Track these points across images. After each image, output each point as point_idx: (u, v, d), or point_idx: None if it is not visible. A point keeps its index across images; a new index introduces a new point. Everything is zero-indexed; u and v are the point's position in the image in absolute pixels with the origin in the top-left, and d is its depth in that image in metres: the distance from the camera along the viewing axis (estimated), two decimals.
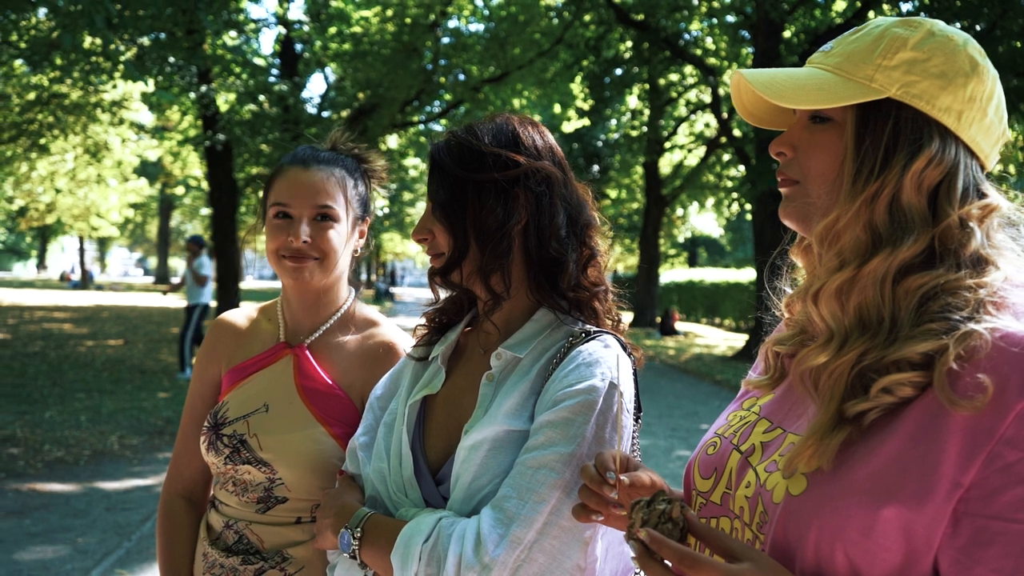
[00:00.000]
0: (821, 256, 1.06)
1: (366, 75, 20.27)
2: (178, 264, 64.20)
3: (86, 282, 40.42)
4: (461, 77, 21.46)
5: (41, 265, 61.02)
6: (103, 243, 55.63)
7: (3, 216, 39.27)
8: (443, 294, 1.53)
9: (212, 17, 11.79)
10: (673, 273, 37.45)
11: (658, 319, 24.41)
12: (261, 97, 18.28)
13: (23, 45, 14.01)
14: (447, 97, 22.28)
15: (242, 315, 1.93)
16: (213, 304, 14.78)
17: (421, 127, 23.64)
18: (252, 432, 1.72)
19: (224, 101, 18.08)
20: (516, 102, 23.75)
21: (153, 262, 61.15)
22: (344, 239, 1.78)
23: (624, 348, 1.41)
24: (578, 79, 22.61)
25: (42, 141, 24.05)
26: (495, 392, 1.39)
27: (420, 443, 1.44)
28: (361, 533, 1.35)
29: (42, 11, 11.45)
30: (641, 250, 26.86)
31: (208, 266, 12.22)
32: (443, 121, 23.85)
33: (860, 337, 0.99)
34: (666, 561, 0.91)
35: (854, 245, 1.02)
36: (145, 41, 11.20)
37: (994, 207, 1.02)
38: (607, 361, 1.33)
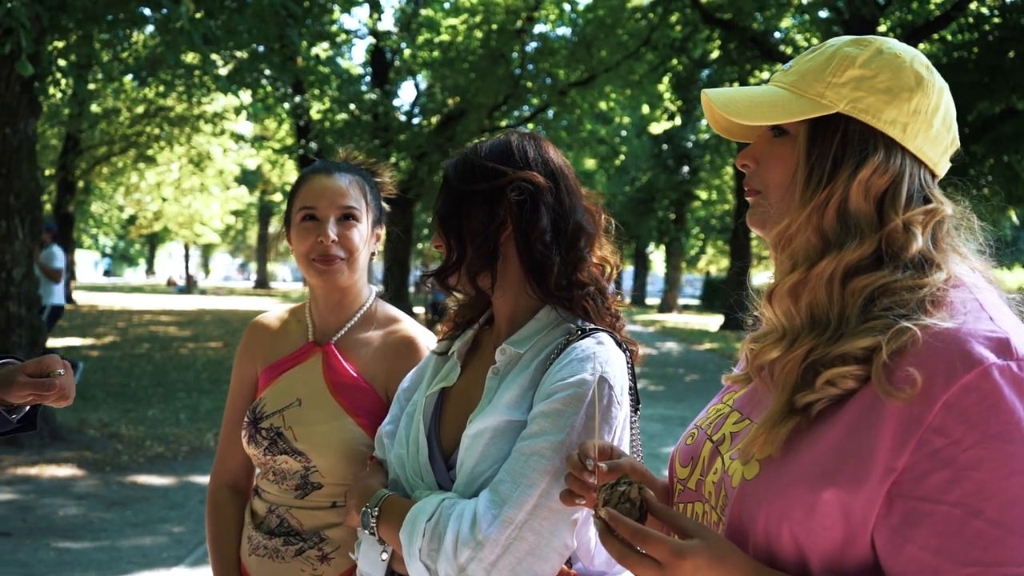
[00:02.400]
0: (776, 259, 1.15)
1: (455, 81, 20.61)
2: (277, 269, 66.36)
3: (191, 287, 42.25)
4: (548, 81, 21.59)
5: (150, 271, 64.06)
6: (207, 249, 57.99)
7: (115, 224, 41.42)
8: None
9: (304, 30, 12.24)
10: (766, 275, 36.71)
11: (750, 321, 23.98)
12: (352, 106, 18.82)
13: (131, 62, 14.82)
14: (534, 101, 22.45)
15: (274, 317, 2.10)
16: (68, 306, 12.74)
17: None
18: (287, 425, 1.88)
19: (317, 111, 18.65)
20: (603, 104, 23.77)
21: (254, 267, 63.36)
22: (365, 239, 1.94)
23: (620, 344, 1.51)
24: (666, 80, 22.44)
25: (149, 152, 25.33)
26: (499, 385, 1.51)
27: (436, 432, 1.57)
28: (379, 512, 1.49)
29: (148, 28, 12.10)
30: (732, 252, 26.48)
31: (60, 258, 11.10)
32: (531, 125, 24.06)
33: (810, 334, 1.06)
34: (623, 537, 0.99)
35: (805, 248, 1.10)
36: (241, 55, 11.70)
37: (938, 212, 1.08)
38: (599, 356, 1.43)
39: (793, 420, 1.03)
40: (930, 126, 1.10)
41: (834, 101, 1.10)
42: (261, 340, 2.05)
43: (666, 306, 37.61)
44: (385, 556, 1.49)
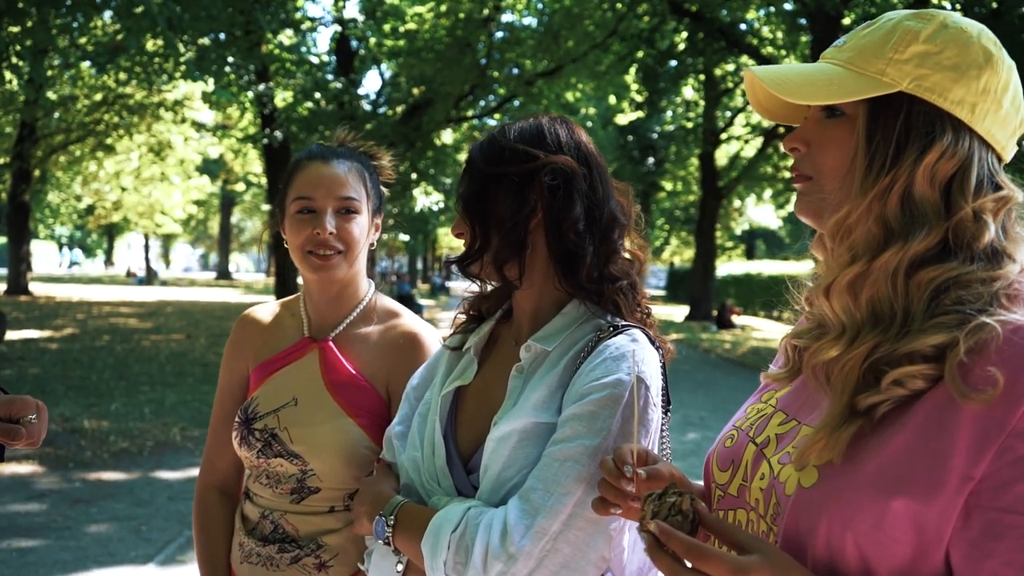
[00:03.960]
0: (833, 251, 1.06)
1: (420, 71, 20.42)
2: (239, 259, 65.51)
3: (151, 278, 41.52)
4: (515, 71, 21.48)
5: (108, 262, 62.88)
6: (167, 240, 57.05)
7: (72, 214, 40.57)
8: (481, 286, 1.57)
9: (269, 16, 12.03)
10: (730, 266, 37.03)
11: (714, 312, 24.17)
12: (317, 95, 18.56)
13: (90, 48, 14.47)
14: (501, 92, 22.32)
15: (266, 311, 1.97)
16: None
17: (475, 122, 23.74)
18: (283, 426, 1.76)
19: (281, 99, 18.38)
20: (570, 95, 23.71)
21: (214, 258, 62.49)
22: (365, 231, 1.82)
23: (652, 342, 1.41)
24: (632, 71, 22.44)
25: (108, 141, 24.82)
26: (524, 384, 1.41)
27: (452, 433, 1.47)
28: (395, 521, 1.38)
29: (107, 14, 11.80)
30: (697, 243, 26.60)
31: None
32: (497, 116, 23.92)
33: (872, 331, 0.99)
34: (675, 553, 0.92)
35: (866, 239, 1.02)
36: (205, 41, 11.46)
37: (1010, 199, 1.01)
38: (634, 355, 1.34)
39: (855, 424, 0.96)
40: (999, 106, 1.03)
41: (896, 79, 1.03)
42: (252, 335, 1.92)
43: None
44: (400, 567, 1.39)
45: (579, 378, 1.34)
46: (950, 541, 0.89)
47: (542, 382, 1.38)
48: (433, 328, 1.86)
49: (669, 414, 1.45)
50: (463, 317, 1.60)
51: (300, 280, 1.95)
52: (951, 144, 1.00)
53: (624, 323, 1.41)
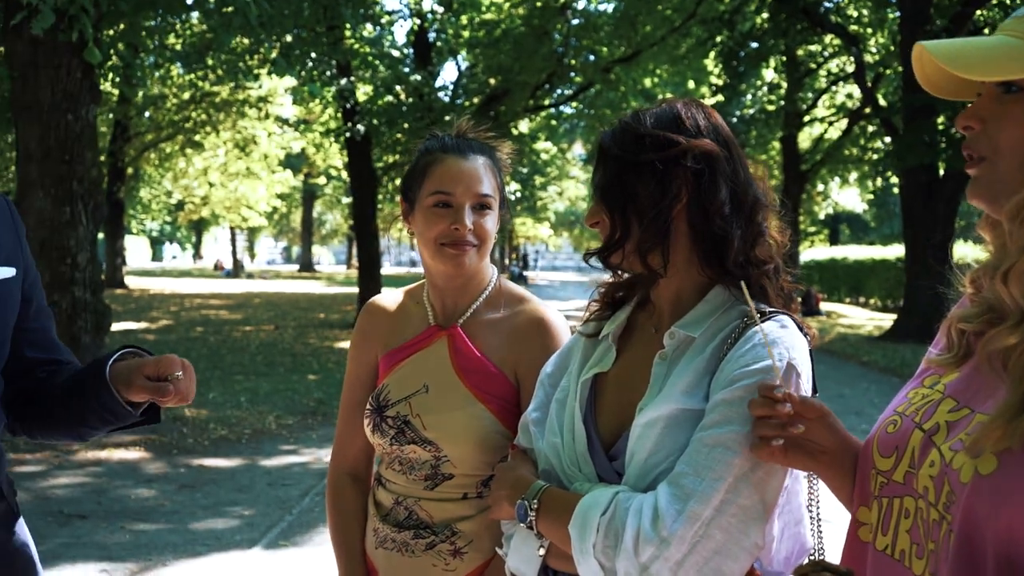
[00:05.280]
0: (1012, 234, 1.02)
1: (497, 61, 20.45)
2: (320, 252, 66.86)
3: (238, 271, 42.70)
4: (591, 58, 21.32)
5: (197, 255, 64.89)
6: (252, 233, 58.54)
7: (163, 210, 41.98)
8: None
9: (351, 11, 12.20)
10: (814, 251, 36.13)
11: (799, 299, 23.63)
12: (397, 88, 18.76)
13: (178, 48, 14.91)
14: (578, 79, 22.20)
15: (391, 299, 2.00)
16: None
17: (552, 111, 23.68)
18: (415, 413, 1.79)
19: (363, 93, 18.63)
20: (648, 81, 23.44)
21: (296, 251, 63.86)
22: (496, 225, 1.85)
23: (800, 328, 1.39)
24: (712, 55, 22.05)
25: (196, 137, 25.56)
26: (668, 371, 1.40)
27: (592, 419, 1.47)
28: (538, 504, 1.39)
29: (195, 14, 12.13)
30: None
31: None
32: (574, 104, 23.81)
33: None
34: None
35: None
36: (288, 38, 11.69)
37: None
38: (784, 341, 1.33)
39: None
40: None
41: None
42: (379, 324, 1.96)
43: None
44: (542, 551, 1.40)
45: (727, 364, 1.33)
46: None
47: (688, 368, 1.37)
48: (560, 313, 1.87)
49: None
50: (596, 305, 1.60)
51: (420, 269, 1.96)
52: None
53: (771, 309, 1.39)
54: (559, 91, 22.99)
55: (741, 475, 1.25)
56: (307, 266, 49.72)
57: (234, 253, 46.67)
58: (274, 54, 11.44)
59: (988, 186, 1.08)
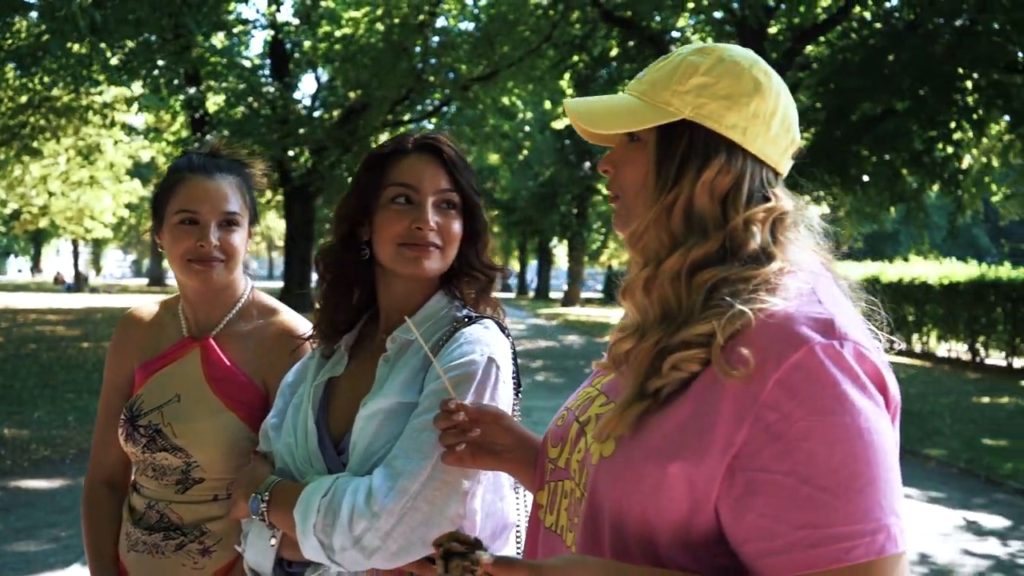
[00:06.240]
0: (632, 257, 1.23)
1: (356, 75, 20.38)
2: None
3: (80, 285, 40.49)
4: (451, 75, 21.57)
5: (36, 268, 61.11)
6: (97, 245, 55.69)
7: None
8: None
9: (200, 19, 11.93)
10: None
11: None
12: (251, 98, 18.42)
13: (13, 49, 14.15)
14: (437, 96, 22.40)
15: (147, 311, 2.06)
16: None
17: (412, 126, 23.76)
18: (166, 421, 1.86)
19: (214, 103, 18.19)
20: (506, 100, 23.91)
21: (148, 264, 61.16)
22: (244, 241, 1.93)
23: (503, 330, 1.60)
24: (567, 76, 22.72)
25: (34, 144, 24.17)
26: (390, 371, 1.57)
27: (325, 420, 1.61)
28: (269, 497, 1.52)
29: (33, 14, 11.58)
30: None
31: None
32: (434, 120, 23.99)
33: (659, 324, 1.14)
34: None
35: (655, 246, 1.18)
36: (131, 44, 11.33)
37: (777, 209, 1.17)
38: (486, 340, 1.53)
39: (644, 403, 1.11)
40: (769, 128, 1.19)
41: (680, 108, 1.18)
42: (135, 336, 2.01)
43: (569, 299, 38.13)
44: (274, 542, 1.52)
45: (438, 361, 1.50)
46: (718, 499, 1.04)
47: (406, 367, 1.55)
48: (309, 323, 1.97)
49: (520, 396, 1.62)
50: (321, 335, 1.72)
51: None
52: (725, 163, 1.16)
53: (477, 314, 1.59)
54: (419, 107, 23.13)
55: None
56: (157, 280, 47.68)
57: (76, 266, 44.29)
58: (114, 61, 11.05)
59: (622, 219, 1.27)
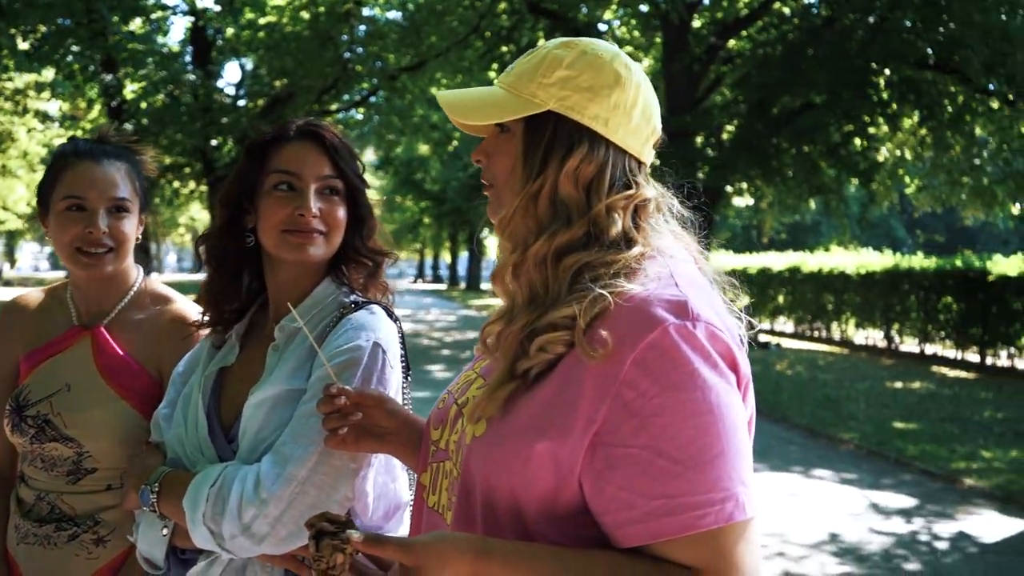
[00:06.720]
0: (500, 244, 1.27)
1: (281, 64, 20.04)
2: None
3: None
4: (378, 65, 21.38)
5: None
6: (11, 237, 53.71)
7: None
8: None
9: (114, 5, 11.59)
10: None
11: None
12: (171, 86, 17.97)
13: None
14: (364, 86, 22.18)
15: (33, 298, 2.02)
16: None
17: (339, 115, 23.49)
18: (56, 411, 1.83)
19: (131, 91, 17.69)
20: (434, 90, 23.79)
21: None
22: (135, 228, 1.91)
23: (390, 315, 1.62)
24: (495, 67, 22.74)
25: None
26: (279, 359, 1.58)
27: (215, 409, 1.62)
28: (159, 488, 1.52)
29: None
30: None
31: None
32: (361, 109, 23.76)
33: (527, 307, 1.19)
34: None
35: (523, 233, 1.23)
36: (43, 28, 10.95)
37: (637, 196, 1.23)
38: (371, 325, 1.55)
39: (513, 384, 1.15)
40: (630, 119, 1.24)
41: (545, 100, 1.22)
42: (19, 323, 1.97)
43: None
44: (166, 532, 1.53)
45: (325, 347, 1.52)
46: (581, 474, 1.09)
47: (293, 355, 1.56)
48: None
49: (409, 378, 1.65)
50: (208, 323, 1.73)
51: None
52: (588, 152, 1.21)
53: (364, 300, 1.61)
54: (346, 96, 22.87)
55: None
56: None
57: None
58: (24, 45, 10.68)
59: (494, 207, 1.31)
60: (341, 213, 1.61)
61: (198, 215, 41.20)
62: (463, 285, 48.81)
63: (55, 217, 1.86)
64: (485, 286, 46.70)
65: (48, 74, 15.81)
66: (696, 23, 17.99)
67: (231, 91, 22.27)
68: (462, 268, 53.25)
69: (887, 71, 14.92)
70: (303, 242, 1.56)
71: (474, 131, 1.37)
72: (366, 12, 21.38)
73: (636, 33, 21.79)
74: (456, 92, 1.32)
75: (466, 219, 38.59)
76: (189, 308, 1.96)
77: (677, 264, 1.19)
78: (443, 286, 50.93)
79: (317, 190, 1.59)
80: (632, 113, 1.24)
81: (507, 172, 1.26)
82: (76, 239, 1.83)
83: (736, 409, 1.08)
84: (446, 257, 50.72)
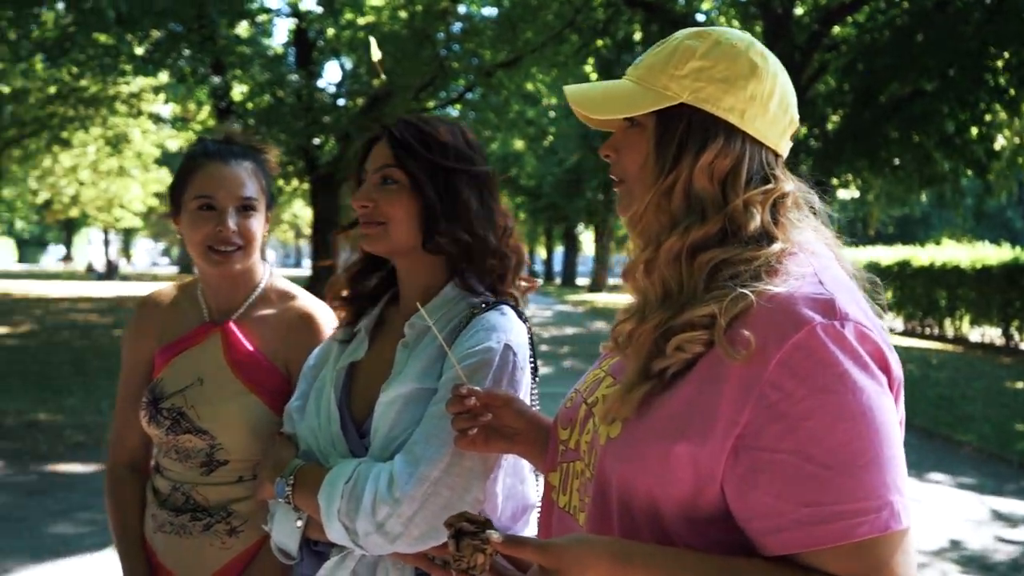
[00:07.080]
0: (633, 240, 1.25)
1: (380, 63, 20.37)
2: None
3: (111, 273, 41.01)
4: (474, 62, 21.52)
5: (67, 257, 61.93)
6: (128, 234, 56.34)
7: (29, 209, 39.93)
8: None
9: (223, 10, 12.00)
10: None
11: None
12: (275, 87, 18.49)
13: (47, 35, 14.32)
14: (460, 82, 22.36)
15: (165, 295, 2.09)
16: None
17: (437, 112, 23.74)
18: (190, 404, 1.89)
19: (239, 92, 18.29)
20: (530, 85, 23.81)
21: (178, 251, 61.76)
22: (262, 225, 1.96)
23: (520, 316, 1.62)
24: (591, 61, 22.59)
25: (63, 134, 24.50)
26: (408, 356, 1.59)
27: (347, 403, 1.64)
28: (294, 480, 1.56)
29: (60, 5, 11.71)
30: None
31: None
32: (458, 106, 23.97)
33: (661, 306, 1.16)
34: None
35: (656, 229, 1.20)
36: (156, 34, 11.43)
37: (776, 190, 1.19)
38: (502, 327, 1.55)
39: (648, 384, 1.13)
40: (767, 110, 1.20)
41: (677, 92, 1.19)
42: (154, 319, 2.03)
43: (596, 286, 38.08)
44: (300, 524, 1.56)
45: (455, 348, 1.52)
46: (723, 478, 1.06)
47: (424, 353, 1.57)
48: (327, 307, 2.00)
49: (537, 380, 1.64)
50: (343, 313, 1.76)
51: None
52: (724, 146, 1.17)
53: (495, 300, 1.60)
54: (442, 93, 23.10)
55: None
56: (187, 267, 48.10)
57: (107, 255, 44.84)
58: (140, 51, 11.16)
59: (624, 202, 1.28)
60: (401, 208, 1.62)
61: (300, 212, 42.31)
62: (558, 280, 48.76)
63: (187, 216, 1.92)
64: (581, 281, 46.63)
65: (162, 77, 16.48)
66: (798, 10, 17.48)
67: (331, 90, 22.72)
68: (557, 263, 53.21)
69: (1005, 54, 14.18)
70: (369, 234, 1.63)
71: (602, 125, 1.34)
72: (462, 9, 21.56)
73: (736, 23, 21.36)
74: (584, 86, 1.30)
75: (562, 214, 38.51)
76: (314, 304, 2.01)
77: (820, 261, 1.14)
78: (539, 281, 50.99)
79: (374, 183, 1.65)
80: (769, 104, 1.20)
81: (638, 167, 1.24)
82: (207, 238, 1.89)
83: (889, 412, 1.04)
84: (541, 252, 50.71)
